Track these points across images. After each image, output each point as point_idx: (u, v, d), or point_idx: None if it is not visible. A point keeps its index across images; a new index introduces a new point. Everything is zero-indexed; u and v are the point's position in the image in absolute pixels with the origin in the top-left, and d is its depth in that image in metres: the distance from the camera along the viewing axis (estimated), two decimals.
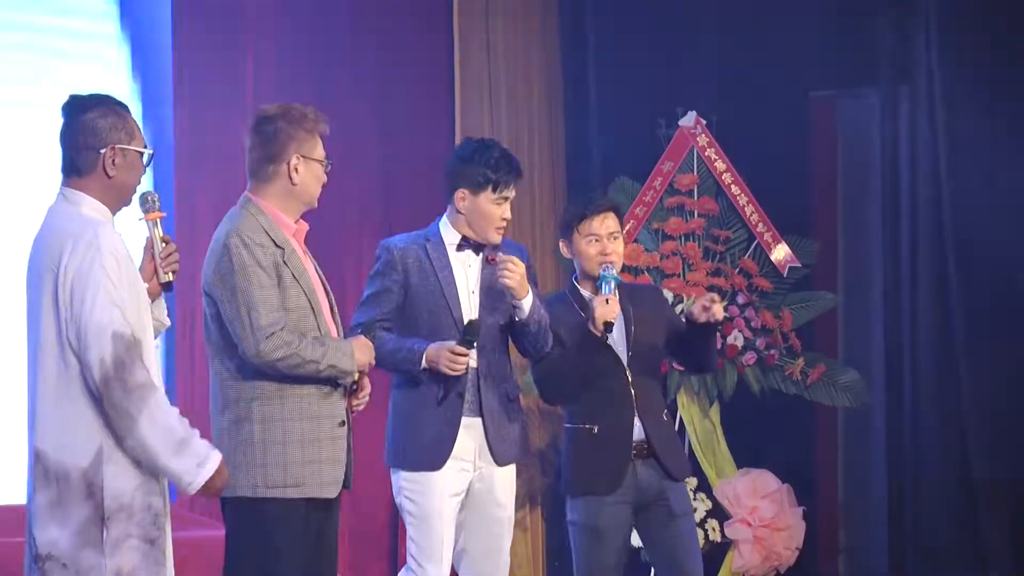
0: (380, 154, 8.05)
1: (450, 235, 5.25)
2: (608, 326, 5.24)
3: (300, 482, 4.56)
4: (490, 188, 5.19)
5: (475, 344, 5.12)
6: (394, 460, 5.23)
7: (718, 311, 5.26)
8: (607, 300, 5.26)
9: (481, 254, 5.27)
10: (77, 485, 4.03)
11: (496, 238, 5.24)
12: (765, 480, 7.58)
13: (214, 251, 4.60)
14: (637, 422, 5.37)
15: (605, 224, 5.44)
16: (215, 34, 7.64)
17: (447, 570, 5.19)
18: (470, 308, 5.21)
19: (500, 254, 5.20)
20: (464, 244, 5.25)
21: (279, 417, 4.56)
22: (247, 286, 4.51)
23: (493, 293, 5.24)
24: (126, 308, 4.04)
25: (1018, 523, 7.71)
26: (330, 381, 4.61)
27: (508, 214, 5.24)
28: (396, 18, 8.19)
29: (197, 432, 4.11)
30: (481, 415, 5.20)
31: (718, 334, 5.53)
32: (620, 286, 5.44)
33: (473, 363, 5.19)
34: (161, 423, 4.01)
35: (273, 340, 4.48)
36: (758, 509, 7.48)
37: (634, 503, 5.39)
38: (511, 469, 5.32)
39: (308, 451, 4.57)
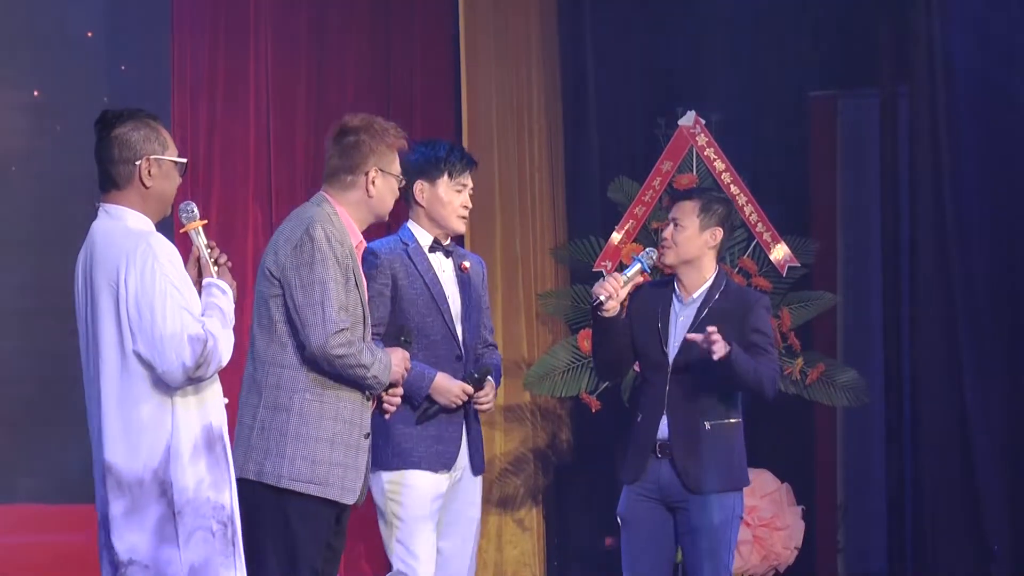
0: None
1: (423, 237, 5.36)
2: (599, 301, 5.31)
3: (324, 481, 4.63)
4: (446, 175, 5.31)
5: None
6: (388, 461, 5.23)
7: (718, 349, 5.18)
8: (608, 277, 5.35)
9: (451, 258, 5.36)
10: (150, 487, 4.16)
11: (459, 226, 5.36)
12: (764, 479, 7.58)
13: (291, 238, 4.66)
14: (664, 420, 5.40)
15: (675, 209, 5.51)
16: (215, 34, 7.65)
17: (434, 569, 5.23)
18: (454, 311, 5.32)
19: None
20: (436, 246, 5.34)
21: (316, 414, 4.64)
22: (326, 278, 4.60)
23: (470, 303, 5.36)
24: (192, 307, 4.17)
25: (1018, 523, 7.71)
26: (364, 389, 4.69)
27: (468, 203, 5.36)
28: (398, 19, 8.21)
29: None
30: (466, 422, 5.31)
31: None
32: (725, 287, 5.46)
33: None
34: None
35: (340, 336, 4.57)
36: (757, 508, 7.48)
37: (662, 501, 5.42)
38: (480, 477, 5.43)
39: (336, 453, 4.65)
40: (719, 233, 5.47)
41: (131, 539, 4.17)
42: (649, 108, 8.16)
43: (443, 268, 5.35)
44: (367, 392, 4.72)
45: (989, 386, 7.75)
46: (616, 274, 5.39)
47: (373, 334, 4.97)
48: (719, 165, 7.68)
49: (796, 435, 8.17)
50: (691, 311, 5.44)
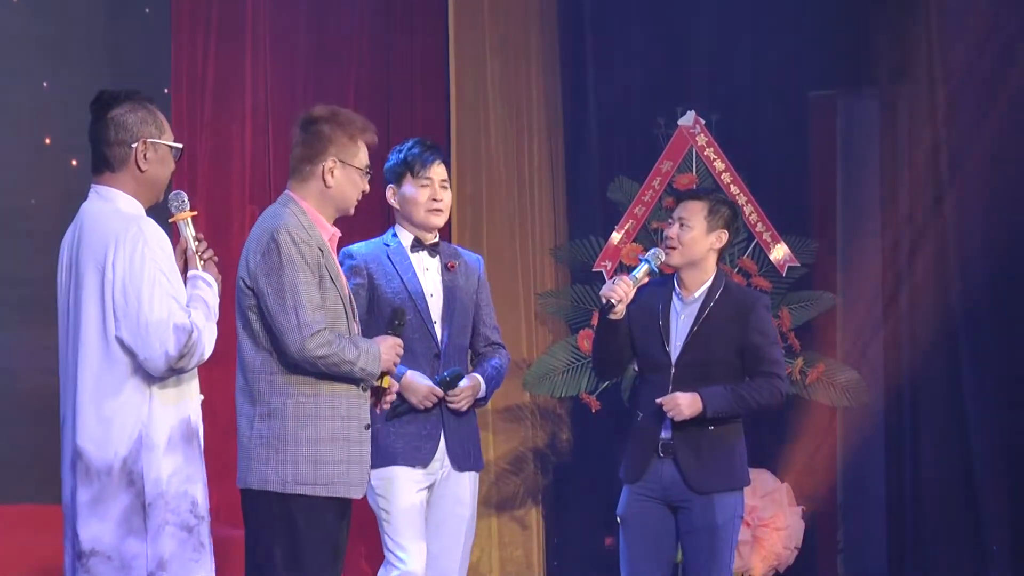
0: (380, 156, 8.04)
1: (405, 238, 5.38)
2: (609, 303, 5.30)
3: (329, 481, 4.59)
4: (408, 173, 5.33)
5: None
6: (374, 458, 5.11)
7: (676, 415, 5.30)
8: (618, 279, 5.34)
9: (437, 257, 5.34)
10: (118, 476, 4.08)
11: (434, 220, 5.35)
12: (764, 480, 7.58)
13: (259, 244, 4.61)
14: (667, 420, 5.38)
15: (682, 208, 5.49)
16: (215, 34, 7.65)
17: (424, 561, 5.23)
18: (435, 310, 5.32)
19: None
20: (417, 246, 5.34)
21: (312, 415, 4.59)
22: (296, 282, 4.54)
23: (454, 302, 5.34)
24: (180, 296, 4.12)
25: (1018, 523, 7.71)
26: (358, 382, 4.65)
27: (440, 196, 5.34)
28: (394, 19, 8.20)
29: None
30: (444, 421, 5.31)
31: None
32: (724, 287, 5.45)
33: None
34: None
35: (317, 338, 4.52)
36: (757, 509, 7.47)
37: (663, 500, 5.41)
38: (473, 474, 5.42)
39: (338, 450, 4.61)
40: (724, 236, 5.46)
41: (95, 529, 4.09)
42: (649, 108, 8.16)
43: (426, 267, 5.35)
44: (361, 384, 4.68)
45: (988, 386, 7.75)
46: (626, 277, 5.37)
47: (401, 334, 4.91)
48: (719, 165, 7.68)
49: (796, 435, 8.16)
50: (692, 310, 5.44)
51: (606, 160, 8.36)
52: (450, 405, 5.29)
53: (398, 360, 4.75)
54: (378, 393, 4.77)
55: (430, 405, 5.25)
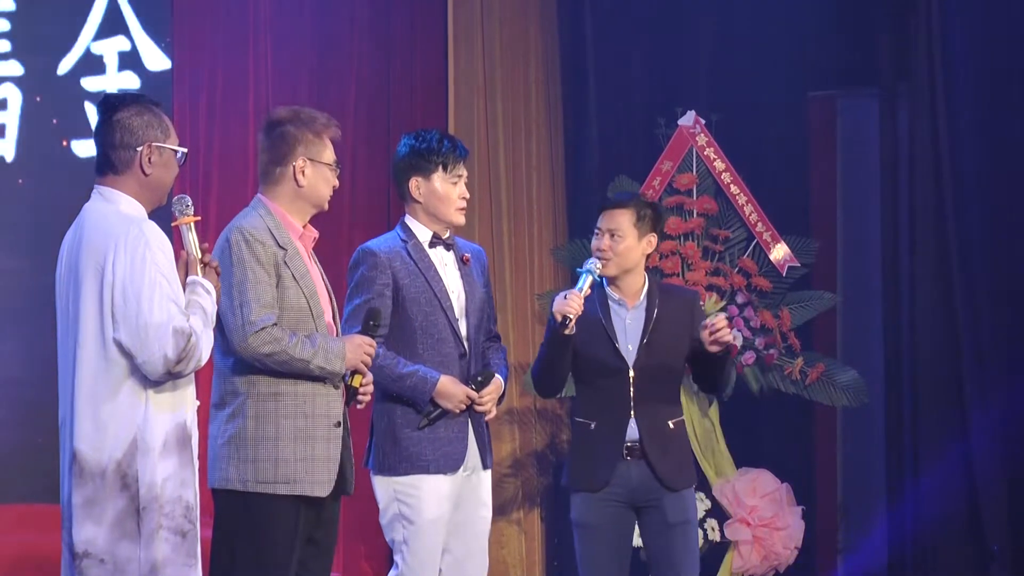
0: (378, 155, 8.06)
1: (422, 232, 5.26)
2: (565, 320, 5.25)
3: (291, 479, 4.58)
4: (440, 168, 5.22)
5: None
6: (397, 466, 5.16)
7: (724, 335, 5.21)
8: (569, 295, 5.27)
9: (452, 252, 5.30)
10: (112, 479, 4.08)
11: (459, 218, 5.27)
12: (764, 480, 7.58)
13: (218, 247, 4.63)
14: (632, 423, 5.37)
15: (609, 219, 5.45)
16: (215, 34, 7.65)
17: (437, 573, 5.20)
18: (458, 307, 5.24)
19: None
20: (436, 241, 5.27)
21: (272, 414, 4.59)
22: (243, 280, 4.54)
23: (474, 297, 5.28)
24: (180, 300, 4.11)
25: (1018, 523, 7.71)
26: (323, 380, 4.62)
27: (466, 193, 5.28)
28: (394, 19, 8.21)
29: None
30: (471, 419, 5.24)
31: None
32: (659, 287, 5.46)
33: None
34: None
35: (262, 335, 4.52)
36: (757, 509, 7.47)
37: (628, 503, 5.39)
38: (489, 472, 5.37)
39: (300, 448, 4.59)
40: (654, 239, 5.48)
41: (88, 531, 4.09)
42: (649, 108, 8.16)
43: (444, 263, 5.26)
44: (332, 383, 4.65)
45: (988, 386, 7.75)
46: (575, 292, 5.30)
47: (376, 335, 4.88)
48: (719, 165, 7.68)
49: (796, 435, 8.17)
50: (638, 315, 5.42)
51: (606, 160, 8.36)
52: (479, 409, 5.23)
53: (368, 359, 4.71)
54: (351, 393, 4.73)
55: (464, 409, 5.17)
